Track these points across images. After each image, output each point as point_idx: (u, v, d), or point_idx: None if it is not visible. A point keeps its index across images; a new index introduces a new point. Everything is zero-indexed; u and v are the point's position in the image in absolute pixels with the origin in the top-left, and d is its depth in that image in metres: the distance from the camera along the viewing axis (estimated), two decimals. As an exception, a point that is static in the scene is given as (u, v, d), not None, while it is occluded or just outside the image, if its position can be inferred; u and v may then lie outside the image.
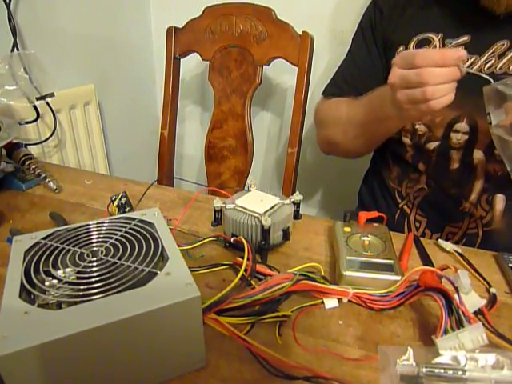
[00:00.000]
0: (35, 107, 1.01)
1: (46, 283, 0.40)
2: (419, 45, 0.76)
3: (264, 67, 1.14)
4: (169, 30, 1.20)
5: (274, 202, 0.61)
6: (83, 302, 0.37)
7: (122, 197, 0.67)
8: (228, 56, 1.16)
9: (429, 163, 0.80)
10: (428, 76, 0.56)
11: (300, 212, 0.65)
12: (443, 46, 0.74)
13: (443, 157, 0.78)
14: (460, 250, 0.61)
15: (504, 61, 0.69)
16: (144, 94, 1.58)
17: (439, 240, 0.64)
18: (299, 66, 1.07)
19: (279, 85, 1.42)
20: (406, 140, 0.81)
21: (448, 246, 0.63)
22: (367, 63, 0.86)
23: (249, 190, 0.65)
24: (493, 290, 0.53)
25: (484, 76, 0.57)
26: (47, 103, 1.04)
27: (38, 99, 0.97)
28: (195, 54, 1.20)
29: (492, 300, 0.52)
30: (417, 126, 0.78)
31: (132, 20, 1.44)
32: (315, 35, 1.05)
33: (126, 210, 0.67)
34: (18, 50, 1.02)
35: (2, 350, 0.32)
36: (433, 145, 0.78)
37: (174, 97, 1.25)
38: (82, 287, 0.39)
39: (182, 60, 1.24)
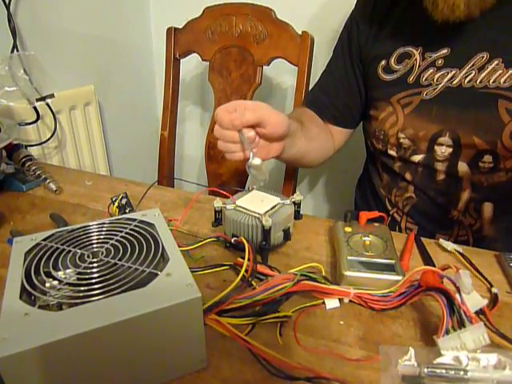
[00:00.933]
0: (35, 108, 1.00)
1: (47, 284, 0.40)
2: (400, 59, 0.75)
3: (264, 67, 1.14)
4: (168, 30, 1.20)
5: (275, 203, 0.61)
6: (84, 303, 0.37)
7: (122, 198, 0.67)
8: (228, 56, 1.16)
9: (415, 174, 0.80)
10: (215, 132, 0.62)
11: (300, 212, 0.65)
12: (423, 59, 0.73)
13: (428, 168, 0.77)
14: (461, 250, 0.61)
15: (484, 74, 0.68)
16: (144, 94, 1.58)
17: (440, 240, 0.64)
18: (299, 66, 1.07)
19: (279, 85, 1.42)
20: (392, 152, 0.81)
21: (449, 245, 0.62)
22: (341, 75, 0.87)
23: (249, 191, 0.65)
24: (494, 290, 0.53)
25: None
26: (47, 104, 1.04)
27: (37, 100, 0.97)
28: (195, 54, 1.20)
29: (493, 300, 0.52)
30: (401, 140, 0.78)
31: (132, 21, 1.44)
32: (315, 35, 1.05)
33: (127, 210, 0.67)
34: (17, 51, 1.02)
35: (3, 351, 0.32)
36: (418, 157, 0.78)
37: (174, 97, 1.25)
38: (82, 288, 0.39)
39: (181, 60, 1.24)
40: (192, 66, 1.46)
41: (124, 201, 0.67)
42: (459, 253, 0.61)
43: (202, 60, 1.20)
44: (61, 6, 1.15)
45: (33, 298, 0.39)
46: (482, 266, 0.58)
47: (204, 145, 1.26)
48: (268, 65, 1.12)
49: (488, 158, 0.71)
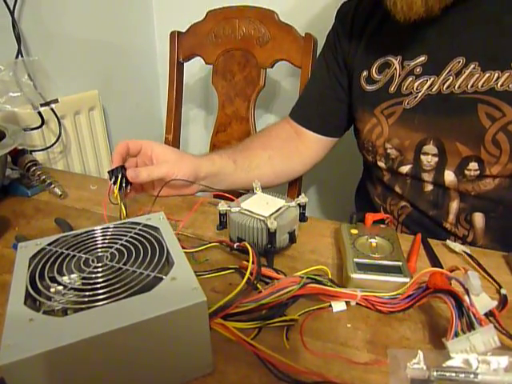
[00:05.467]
0: (40, 113, 1.01)
1: (52, 290, 0.40)
2: (380, 69, 0.75)
3: (267, 70, 1.14)
4: (172, 34, 1.20)
5: (280, 205, 0.61)
6: (89, 308, 0.37)
7: (122, 176, 0.66)
8: (231, 59, 1.16)
9: (404, 186, 0.80)
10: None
11: (306, 214, 0.65)
12: (403, 68, 0.72)
13: (416, 179, 0.77)
14: (469, 251, 0.60)
15: (461, 79, 0.67)
16: (148, 98, 1.58)
17: (447, 241, 0.63)
18: (303, 68, 1.07)
19: (283, 87, 1.42)
20: (381, 164, 0.81)
21: (456, 246, 0.62)
22: (326, 83, 0.87)
23: (254, 193, 0.65)
24: (503, 291, 0.52)
25: None
26: (52, 109, 1.05)
27: (42, 105, 0.97)
28: (198, 57, 1.20)
29: (503, 301, 0.51)
30: (388, 151, 0.77)
31: (135, 25, 1.44)
32: (318, 37, 1.05)
33: (128, 189, 0.67)
34: (22, 56, 1.02)
35: (8, 357, 0.32)
36: (405, 168, 0.77)
37: (177, 101, 1.25)
38: (87, 293, 0.39)
39: (185, 64, 1.24)
40: (195, 69, 1.46)
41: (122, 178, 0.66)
42: (467, 254, 0.60)
43: (206, 63, 1.20)
44: (65, 11, 1.16)
45: (37, 303, 0.39)
46: (490, 267, 0.57)
47: (208, 148, 1.26)
48: (271, 67, 1.12)
49: (473, 165, 0.69)
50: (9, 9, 0.99)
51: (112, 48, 1.35)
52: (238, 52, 1.15)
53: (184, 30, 1.19)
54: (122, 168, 0.67)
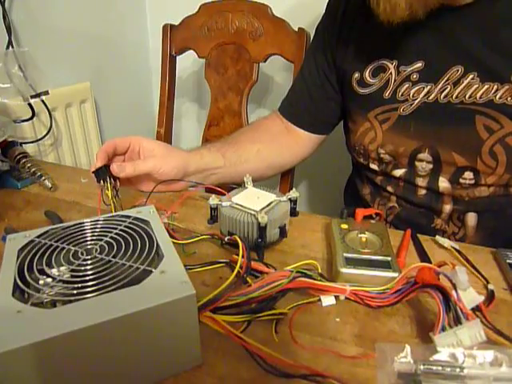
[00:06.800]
0: (30, 105, 1.00)
1: (40, 282, 0.40)
2: (375, 72, 0.73)
3: (260, 64, 1.13)
4: (164, 27, 1.19)
5: (271, 199, 0.61)
6: (77, 300, 0.37)
7: (110, 178, 0.66)
8: (224, 53, 1.16)
9: (397, 188, 0.80)
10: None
11: (297, 209, 0.65)
12: (398, 73, 0.71)
13: (410, 183, 0.77)
14: (458, 247, 0.61)
15: (460, 89, 0.66)
16: (140, 91, 1.57)
17: (437, 236, 0.64)
18: (296, 62, 1.06)
19: (276, 82, 1.42)
20: (374, 167, 0.80)
21: (445, 242, 0.62)
22: (314, 80, 0.85)
23: (245, 187, 0.65)
24: (490, 287, 0.53)
25: None
26: (42, 101, 1.03)
27: (32, 97, 0.96)
28: (191, 51, 1.20)
29: (490, 296, 0.51)
30: (382, 156, 0.77)
31: (128, 17, 1.43)
32: (312, 32, 1.05)
33: (117, 185, 0.67)
34: (12, 47, 1.01)
35: (-6, 349, 0.31)
36: (399, 172, 0.77)
37: (170, 94, 1.24)
38: (76, 285, 0.39)
39: (178, 57, 1.23)
40: (188, 62, 1.46)
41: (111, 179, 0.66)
42: (456, 249, 0.61)
43: (199, 57, 1.20)
44: (56, 2, 1.14)
45: (26, 295, 0.39)
46: (478, 262, 0.58)
47: (200, 142, 1.25)
48: (264, 61, 1.12)
49: (469, 174, 0.70)
50: (-1, -2, 0.98)
51: (104, 40, 1.33)
52: (231, 46, 1.14)
53: (177, 23, 1.19)
54: (106, 167, 0.67)
